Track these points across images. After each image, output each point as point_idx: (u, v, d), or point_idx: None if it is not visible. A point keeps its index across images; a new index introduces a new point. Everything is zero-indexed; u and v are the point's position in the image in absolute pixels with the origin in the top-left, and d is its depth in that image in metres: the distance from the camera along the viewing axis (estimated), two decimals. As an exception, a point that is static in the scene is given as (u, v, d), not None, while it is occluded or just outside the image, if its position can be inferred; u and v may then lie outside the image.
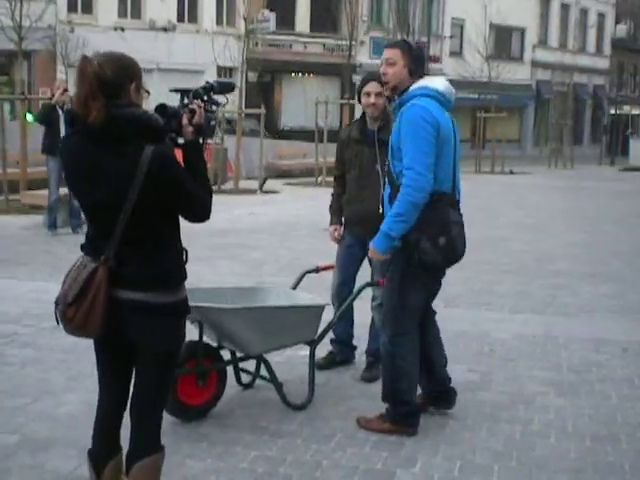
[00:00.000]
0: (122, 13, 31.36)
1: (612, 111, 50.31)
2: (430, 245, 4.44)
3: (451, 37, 42.33)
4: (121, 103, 3.06)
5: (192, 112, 3.26)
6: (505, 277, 9.66)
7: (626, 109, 52.95)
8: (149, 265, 3.15)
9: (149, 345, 3.21)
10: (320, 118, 22.95)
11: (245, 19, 25.59)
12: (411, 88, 4.59)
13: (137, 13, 31.81)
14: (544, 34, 49.34)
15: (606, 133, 49.70)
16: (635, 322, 7.81)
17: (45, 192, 12.81)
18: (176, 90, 3.41)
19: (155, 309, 3.15)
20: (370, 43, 38.83)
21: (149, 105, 3.28)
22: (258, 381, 5.52)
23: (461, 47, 42.75)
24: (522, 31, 47.24)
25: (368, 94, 5.56)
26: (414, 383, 4.85)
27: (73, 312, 3.12)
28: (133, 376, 3.38)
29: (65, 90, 11.82)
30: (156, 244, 3.17)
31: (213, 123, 3.33)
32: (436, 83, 4.61)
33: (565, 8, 50.52)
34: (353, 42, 31.67)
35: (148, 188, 3.02)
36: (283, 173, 24.20)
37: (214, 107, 3.39)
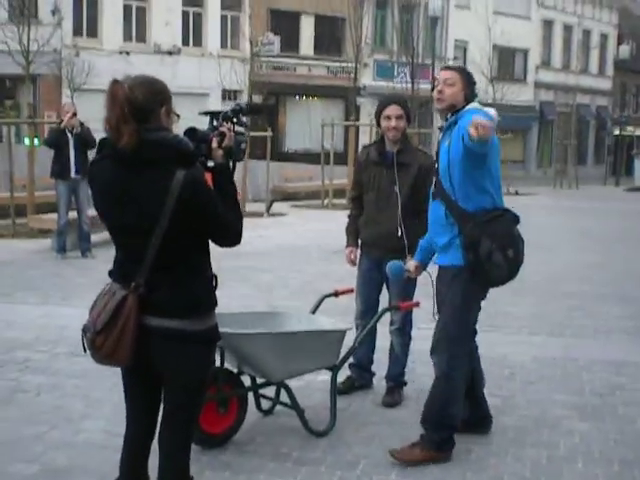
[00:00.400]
0: (127, 37, 31.41)
1: (615, 132, 50.32)
2: (502, 257, 4.43)
3: (455, 59, 42.40)
4: (152, 127, 3.02)
5: (222, 135, 3.22)
6: (518, 299, 9.57)
7: (629, 129, 52.95)
8: (180, 291, 3.10)
9: (179, 373, 3.14)
10: (326, 140, 22.93)
11: (250, 42, 25.63)
12: (466, 107, 4.59)
13: (142, 37, 31.87)
14: (547, 55, 49.44)
15: (610, 153, 49.71)
16: (653, 344, 7.74)
17: (53, 216, 12.79)
18: (205, 113, 3.37)
19: (186, 336, 3.10)
20: (374, 65, 38.95)
21: (178, 129, 3.24)
22: (278, 407, 5.46)
23: (464, 69, 42.85)
24: (525, 52, 47.35)
25: (389, 117, 5.53)
26: (461, 409, 4.78)
27: (102, 340, 3.06)
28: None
29: (74, 114, 11.82)
30: (187, 270, 3.12)
31: (243, 146, 3.28)
32: (488, 108, 4.60)
33: (568, 29, 50.65)
34: (357, 64, 31.65)
35: (179, 213, 2.97)
36: (289, 196, 24.18)
37: (244, 129, 3.35)
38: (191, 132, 3.20)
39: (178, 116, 3.21)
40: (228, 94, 31.77)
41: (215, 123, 3.30)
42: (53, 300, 9.15)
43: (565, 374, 6.56)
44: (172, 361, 3.12)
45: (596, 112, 53.03)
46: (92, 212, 13.39)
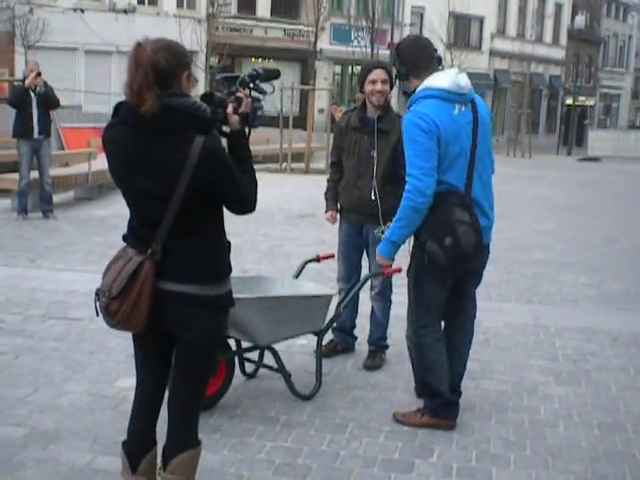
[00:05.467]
0: (82, -6, 30.86)
1: (568, 101, 50.85)
2: (437, 246, 4.43)
3: (411, 25, 42.36)
4: (172, 93, 2.99)
5: (238, 100, 3.19)
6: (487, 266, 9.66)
7: (581, 99, 53.54)
8: (195, 257, 3.09)
9: (192, 337, 3.14)
10: (284, 104, 22.78)
11: (208, 2, 25.35)
12: (417, 90, 4.51)
13: (97, -6, 31.33)
14: (502, 23, 49.65)
15: (562, 123, 50.26)
16: (619, 312, 7.92)
17: (14, 176, 12.55)
18: (222, 77, 3.31)
19: (201, 301, 3.10)
20: (330, 29, 38.72)
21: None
22: (261, 371, 5.49)
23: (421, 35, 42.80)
24: (481, 20, 47.45)
25: (374, 81, 5.51)
26: (443, 375, 4.81)
27: (118, 306, 3.04)
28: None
29: (39, 73, 11.59)
30: (202, 236, 3.11)
31: (260, 113, 3.24)
32: (440, 80, 4.44)
33: (523, -2, 50.94)
34: (317, 28, 31.51)
35: (197, 180, 2.96)
36: (247, 159, 24.03)
37: (260, 95, 3.31)
38: (208, 97, 3.15)
39: (197, 80, 3.17)
40: (184, 55, 31.38)
41: (231, 88, 3.25)
42: (20, 262, 9.02)
43: (538, 340, 6.68)
44: (186, 325, 3.12)
45: (549, 81, 53.52)
46: (54, 172, 13.26)
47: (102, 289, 3.10)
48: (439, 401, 4.78)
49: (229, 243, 3.24)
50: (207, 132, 3.00)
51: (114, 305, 3.05)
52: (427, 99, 4.43)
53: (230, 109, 3.17)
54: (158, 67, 2.93)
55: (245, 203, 3.16)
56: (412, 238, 4.77)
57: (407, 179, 4.39)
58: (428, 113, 4.36)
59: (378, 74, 5.52)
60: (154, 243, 3.05)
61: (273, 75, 3.44)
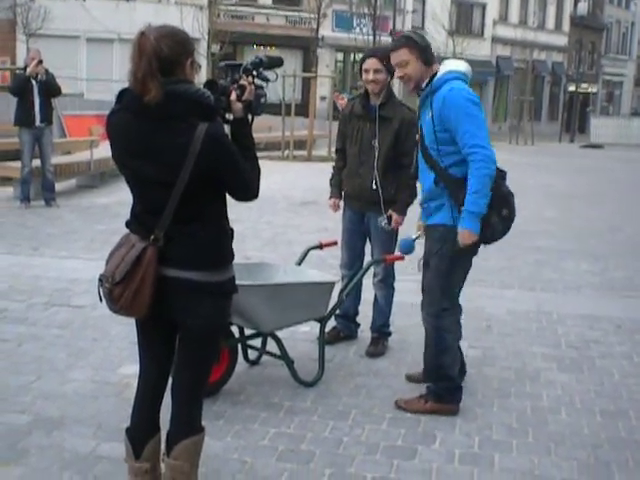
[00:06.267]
0: (83, -18, 30.74)
1: (570, 88, 50.76)
2: (498, 218, 4.57)
3: (413, 12, 42.27)
4: (175, 79, 2.99)
5: (242, 88, 3.18)
6: (488, 253, 9.65)
7: (584, 86, 53.43)
8: (199, 244, 3.09)
9: (195, 323, 3.15)
10: (286, 91, 22.75)
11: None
12: (439, 74, 4.60)
13: (99, -18, 31.21)
14: (504, 10, 49.50)
15: (564, 110, 50.16)
16: (622, 299, 7.92)
17: (16, 164, 12.55)
18: (225, 65, 3.31)
19: (204, 287, 3.10)
20: (332, 16, 38.62)
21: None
22: (263, 357, 5.50)
23: (423, 22, 42.70)
24: (483, 7, 47.35)
25: (367, 71, 5.54)
26: (457, 358, 4.88)
27: (121, 291, 3.04)
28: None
29: (40, 61, 11.58)
30: (205, 223, 3.11)
31: (263, 100, 3.24)
32: (459, 66, 4.68)
33: (526, -16, 50.77)
34: (316, 15, 31.43)
35: (200, 166, 2.95)
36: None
37: (263, 83, 3.30)
38: (212, 84, 3.15)
39: (200, 67, 3.17)
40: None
41: (235, 76, 3.25)
42: (22, 250, 9.03)
43: (540, 327, 6.68)
44: (189, 312, 3.12)
45: (551, 68, 53.38)
46: (56, 160, 13.25)
47: (105, 275, 3.11)
48: (447, 384, 4.81)
49: (232, 230, 3.24)
50: (211, 119, 2.99)
51: (117, 291, 3.05)
52: (455, 80, 4.58)
53: (233, 96, 3.17)
54: (162, 55, 2.92)
55: (248, 190, 3.16)
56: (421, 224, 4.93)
57: (474, 150, 4.45)
58: (469, 89, 4.58)
59: (370, 64, 5.53)
60: (157, 229, 3.05)
61: (276, 63, 3.43)
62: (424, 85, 4.65)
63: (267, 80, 3.35)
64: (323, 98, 32.80)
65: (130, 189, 3.19)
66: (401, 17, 40.58)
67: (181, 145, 2.94)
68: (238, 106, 3.17)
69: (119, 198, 12.62)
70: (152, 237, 3.05)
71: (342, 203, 5.97)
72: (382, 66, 5.50)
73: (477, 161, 4.44)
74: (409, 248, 5.12)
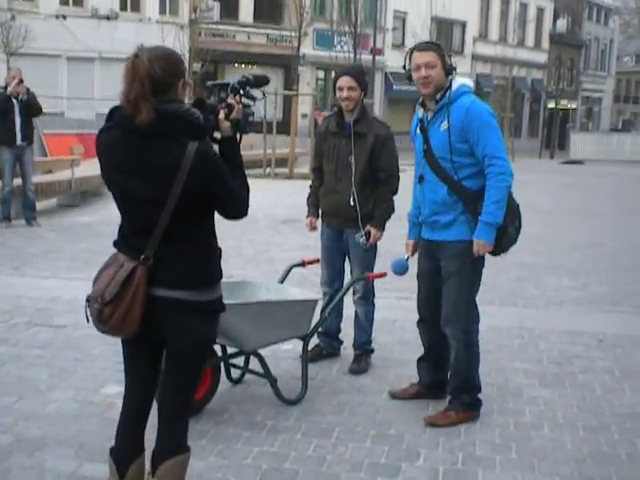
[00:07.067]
0: (64, 1, 30.73)
1: (550, 105, 51.10)
2: (514, 230, 4.73)
3: (394, 29, 42.49)
4: (167, 99, 3.01)
5: (229, 107, 3.21)
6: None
7: (563, 103, 53.81)
8: (187, 263, 3.10)
9: (182, 342, 3.15)
10: (267, 109, 22.79)
11: (191, 8, 25.34)
12: (454, 87, 4.69)
13: (79, 1, 31.20)
14: (484, 28, 49.88)
15: (544, 127, 50.46)
16: (604, 314, 7.96)
17: (-3, 183, 12.48)
18: (212, 85, 3.35)
19: (193, 306, 3.11)
20: (313, 34, 38.79)
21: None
22: (246, 376, 5.49)
23: (403, 40, 42.90)
24: (463, 24, 47.68)
25: (341, 88, 5.59)
26: (478, 367, 5.04)
27: (111, 312, 3.04)
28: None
29: (21, 80, 11.56)
30: (195, 242, 3.13)
31: (251, 119, 3.27)
32: (467, 82, 4.82)
33: (505, 2, 51.17)
34: (300, 33, 31.54)
35: (191, 184, 2.97)
36: (231, 165, 24.01)
37: (251, 102, 3.33)
38: (200, 103, 3.18)
39: (190, 87, 3.19)
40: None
41: (222, 95, 3.28)
42: (4, 270, 8.99)
43: (523, 343, 6.71)
44: (177, 331, 3.13)
45: (531, 85, 53.77)
46: (37, 179, 13.21)
47: (94, 295, 3.10)
48: (475, 393, 4.98)
49: (220, 249, 3.26)
50: (201, 138, 3.02)
51: (107, 311, 3.05)
52: (468, 94, 4.72)
53: (222, 115, 3.20)
54: (155, 77, 2.95)
55: (238, 208, 3.18)
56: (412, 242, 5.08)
57: (495, 162, 4.56)
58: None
59: (344, 81, 5.60)
60: (147, 249, 3.05)
61: (263, 81, 3.48)
62: (439, 96, 4.70)
63: (254, 99, 3.38)
64: (304, 116, 32.87)
65: (118, 208, 3.20)
66: (382, 35, 40.78)
67: (172, 163, 2.96)
68: (226, 125, 3.19)
69: (101, 217, 12.56)
70: (142, 256, 3.05)
71: (320, 222, 6.00)
72: (356, 83, 5.57)
73: (498, 173, 4.55)
74: (403, 268, 5.14)
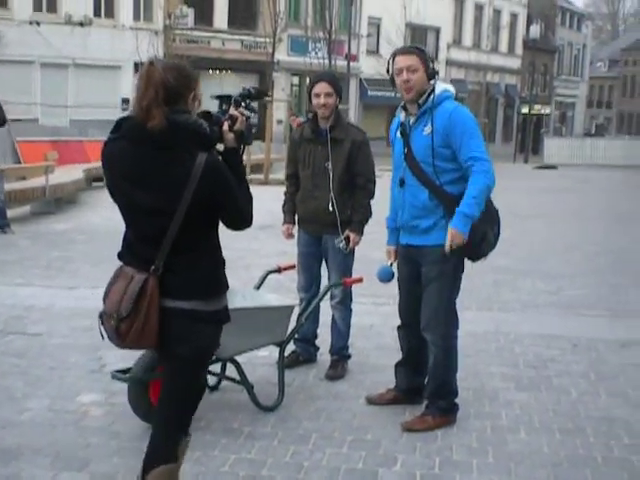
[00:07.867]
0: (38, 7, 30.47)
1: (524, 110, 51.42)
2: (493, 235, 4.77)
3: (368, 36, 42.59)
4: (177, 109, 3.05)
5: (232, 119, 3.24)
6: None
7: (537, 108, 54.16)
8: (196, 274, 3.14)
9: (185, 351, 3.18)
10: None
11: (165, 15, 25.29)
12: (437, 92, 4.70)
13: (53, 7, 30.97)
14: (458, 34, 50.13)
15: (518, 132, 50.79)
16: (578, 317, 8.01)
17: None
18: (216, 97, 3.42)
19: (199, 317, 3.14)
20: (288, 40, 38.79)
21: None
22: (223, 383, 5.47)
23: (377, 46, 43.01)
24: (437, 30, 47.87)
25: (318, 95, 5.59)
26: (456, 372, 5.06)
27: (128, 326, 3.06)
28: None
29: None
30: (201, 252, 3.17)
31: (253, 130, 3.34)
32: (449, 87, 4.85)
33: (479, 8, 51.47)
34: (275, 39, 31.53)
35: (200, 194, 3.01)
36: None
37: (251, 113, 3.37)
38: (207, 116, 3.23)
39: (200, 102, 3.23)
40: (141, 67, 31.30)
41: (224, 107, 3.34)
42: (-23, 277, 8.91)
43: (499, 347, 6.74)
44: (183, 341, 3.15)
45: (505, 90, 54.09)
46: (9, 187, 13.11)
47: (108, 312, 3.11)
48: (452, 398, 4.99)
49: (224, 260, 3.28)
50: (208, 149, 3.06)
51: (124, 326, 3.07)
52: (450, 99, 4.74)
53: (226, 127, 3.24)
54: (168, 85, 3.01)
55: (243, 217, 3.24)
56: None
57: (480, 162, 4.58)
58: None
59: (321, 88, 5.60)
60: (157, 259, 3.06)
61: (262, 94, 3.58)
62: (421, 100, 4.71)
63: (255, 111, 3.47)
64: (279, 122, 32.93)
65: (124, 218, 3.21)
66: (356, 41, 40.88)
67: (181, 174, 2.99)
68: (230, 136, 3.24)
69: (75, 224, 12.49)
70: (152, 267, 3.06)
71: (296, 228, 6.00)
72: (332, 89, 5.58)
73: (480, 171, 4.56)
74: (389, 275, 5.15)
